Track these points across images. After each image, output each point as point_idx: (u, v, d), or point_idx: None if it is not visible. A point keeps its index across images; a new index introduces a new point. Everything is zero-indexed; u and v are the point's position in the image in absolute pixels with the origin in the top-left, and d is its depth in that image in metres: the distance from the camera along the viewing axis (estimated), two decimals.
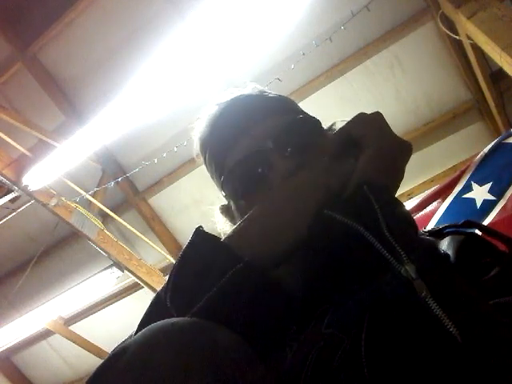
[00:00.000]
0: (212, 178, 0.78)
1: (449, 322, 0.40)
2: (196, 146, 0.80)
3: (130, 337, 0.51)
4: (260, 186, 0.67)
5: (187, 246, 0.54)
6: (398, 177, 0.59)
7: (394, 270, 0.46)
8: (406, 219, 0.54)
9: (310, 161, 0.64)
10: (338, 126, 0.75)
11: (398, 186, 0.60)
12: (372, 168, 0.57)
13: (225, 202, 0.79)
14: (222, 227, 0.78)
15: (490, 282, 0.52)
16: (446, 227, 0.65)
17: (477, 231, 0.66)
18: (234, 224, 0.71)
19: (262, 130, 0.68)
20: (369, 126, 0.62)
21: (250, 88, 0.79)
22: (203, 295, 0.48)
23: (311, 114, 0.75)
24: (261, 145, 0.67)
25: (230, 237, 0.55)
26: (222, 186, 0.73)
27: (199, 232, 0.54)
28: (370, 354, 0.42)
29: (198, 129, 0.78)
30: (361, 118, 0.63)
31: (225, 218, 0.77)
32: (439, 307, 0.41)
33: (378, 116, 0.63)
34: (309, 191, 0.57)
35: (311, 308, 0.51)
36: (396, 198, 0.57)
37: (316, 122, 0.73)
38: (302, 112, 0.76)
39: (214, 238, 0.54)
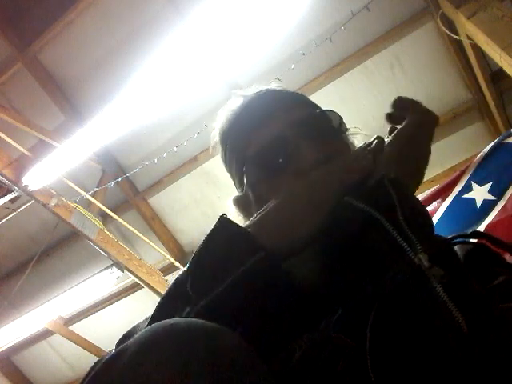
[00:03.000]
0: (230, 169, 0.79)
1: (456, 312, 0.40)
2: (215, 138, 0.81)
3: (146, 319, 0.51)
4: (282, 171, 0.68)
5: (210, 233, 0.54)
6: (417, 178, 0.64)
7: (407, 258, 0.46)
8: (423, 213, 0.56)
9: (332, 152, 0.67)
10: (353, 131, 0.79)
11: (416, 187, 0.65)
12: (393, 165, 0.61)
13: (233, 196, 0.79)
14: (234, 219, 0.78)
15: (495, 289, 0.52)
16: (455, 237, 0.65)
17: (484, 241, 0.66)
18: (248, 214, 0.73)
19: (284, 120, 0.71)
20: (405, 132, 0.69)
21: (271, 84, 0.82)
22: (221, 283, 0.48)
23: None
24: (284, 131, 0.69)
25: (251, 226, 0.56)
26: (244, 175, 0.73)
27: (222, 219, 0.55)
28: (375, 354, 0.42)
29: (220, 121, 0.80)
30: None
31: (238, 210, 0.77)
32: (448, 297, 0.42)
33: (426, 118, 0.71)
34: (324, 185, 0.58)
35: (323, 305, 0.51)
36: (413, 194, 0.59)
37: (333, 118, 0.75)
38: (321, 108, 0.79)
39: (236, 226, 0.54)
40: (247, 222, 0.58)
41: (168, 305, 0.51)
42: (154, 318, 0.49)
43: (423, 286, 0.43)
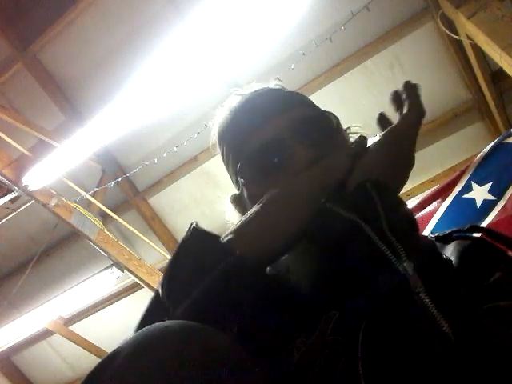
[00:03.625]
0: (227, 167, 0.79)
1: (441, 319, 0.40)
2: (214, 136, 0.81)
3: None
4: (276, 173, 0.67)
5: (181, 242, 0.55)
6: (401, 181, 0.61)
7: (392, 266, 0.46)
8: (408, 218, 0.54)
9: (327, 154, 0.65)
10: (353, 130, 0.78)
11: (400, 189, 0.61)
12: (374, 167, 0.58)
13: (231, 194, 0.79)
14: (231, 216, 0.78)
15: (491, 286, 0.52)
16: (453, 232, 0.65)
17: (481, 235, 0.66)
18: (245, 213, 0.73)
19: (281, 120, 0.70)
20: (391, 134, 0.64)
21: (270, 83, 0.81)
22: (195, 289, 0.48)
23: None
24: (280, 133, 0.68)
25: (231, 233, 0.56)
26: (238, 174, 0.73)
27: (193, 228, 0.55)
28: (366, 361, 0.42)
29: (218, 119, 0.80)
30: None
31: (235, 208, 0.77)
32: (433, 305, 0.41)
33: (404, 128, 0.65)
34: (303, 190, 0.58)
35: (316, 310, 0.51)
36: (399, 197, 0.57)
37: (331, 119, 0.74)
38: (319, 108, 0.78)
39: (207, 234, 0.55)
40: (229, 229, 0.58)
41: (149, 318, 0.51)
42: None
43: (408, 294, 0.43)
